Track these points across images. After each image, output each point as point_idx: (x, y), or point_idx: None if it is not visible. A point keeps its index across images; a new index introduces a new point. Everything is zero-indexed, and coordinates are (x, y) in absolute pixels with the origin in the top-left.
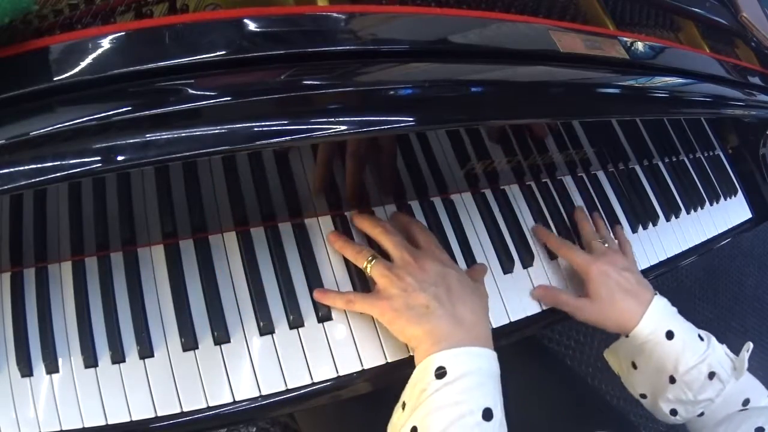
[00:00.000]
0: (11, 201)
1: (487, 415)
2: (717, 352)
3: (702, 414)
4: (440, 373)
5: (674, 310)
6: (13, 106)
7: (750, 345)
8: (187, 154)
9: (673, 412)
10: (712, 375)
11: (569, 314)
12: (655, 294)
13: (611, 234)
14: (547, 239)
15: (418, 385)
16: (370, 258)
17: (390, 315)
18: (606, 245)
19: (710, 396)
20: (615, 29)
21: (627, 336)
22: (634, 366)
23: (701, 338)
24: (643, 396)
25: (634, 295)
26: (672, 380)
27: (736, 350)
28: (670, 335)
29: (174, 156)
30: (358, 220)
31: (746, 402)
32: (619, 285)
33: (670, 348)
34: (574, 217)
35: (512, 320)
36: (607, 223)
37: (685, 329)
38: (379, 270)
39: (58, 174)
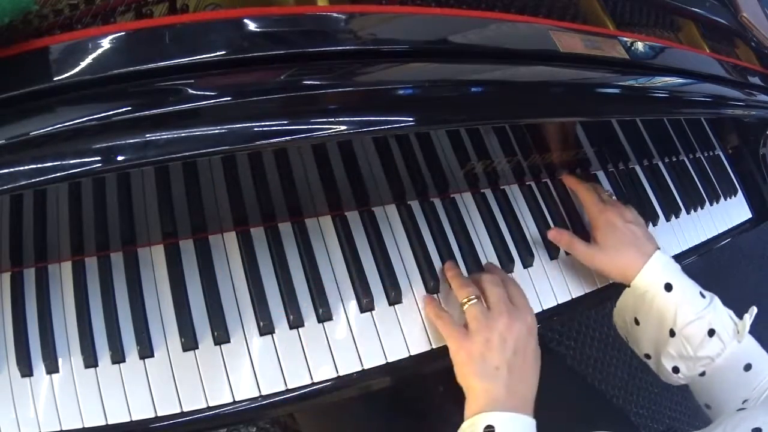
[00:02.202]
0: (11, 201)
1: None
2: (718, 312)
3: (703, 374)
4: (489, 431)
5: (677, 266)
6: (13, 106)
7: (754, 309)
8: (187, 154)
9: (675, 370)
10: (711, 332)
11: (580, 260)
12: (658, 248)
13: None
14: (567, 179)
15: None
16: (473, 297)
17: (463, 356)
18: (614, 198)
19: (710, 354)
20: (615, 29)
21: (629, 286)
22: (637, 322)
23: (703, 296)
24: (648, 356)
25: (638, 246)
26: (672, 333)
27: None
28: (668, 287)
29: (174, 156)
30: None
31: (748, 367)
32: (625, 236)
33: (669, 299)
34: (567, 184)
35: None
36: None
37: (686, 284)
38: (474, 312)
39: (58, 174)
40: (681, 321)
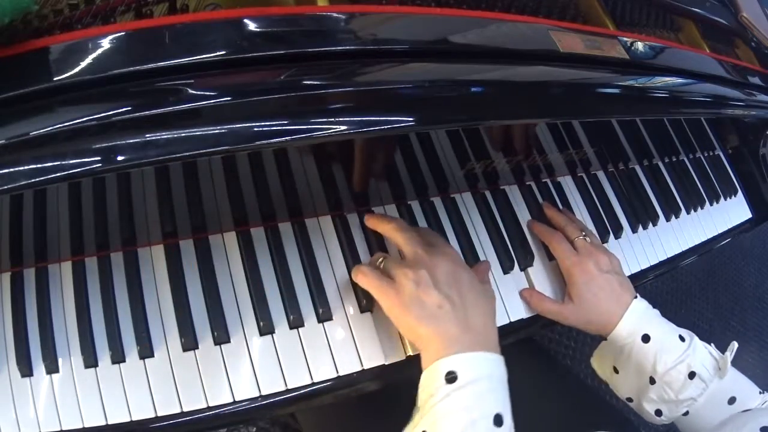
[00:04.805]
0: (11, 201)
1: (498, 420)
2: (698, 353)
3: (687, 413)
4: (451, 377)
5: (655, 312)
6: (13, 106)
7: (734, 345)
8: (187, 154)
9: (658, 413)
10: (692, 375)
11: (553, 319)
12: (635, 297)
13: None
14: (537, 229)
15: (427, 390)
16: (380, 257)
17: (399, 310)
18: (588, 240)
19: (692, 395)
20: (615, 29)
21: (606, 339)
22: (616, 370)
23: (682, 339)
24: (630, 399)
25: (616, 297)
26: (652, 381)
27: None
28: (646, 338)
29: (174, 156)
30: (370, 221)
31: (732, 400)
32: (602, 288)
33: (647, 350)
34: (547, 216)
35: (512, 320)
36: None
37: (664, 331)
38: (391, 264)
39: (58, 174)
40: (661, 369)
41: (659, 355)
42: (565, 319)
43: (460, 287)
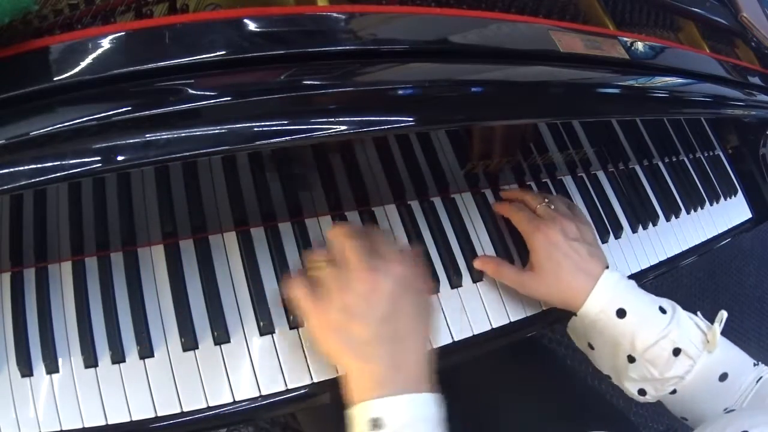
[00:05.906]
0: (11, 201)
1: None
2: (683, 326)
3: (674, 392)
4: (377, 424)
5: (631, 283)
6: (13, 106)
7: (724, 315)
8: (187, 154)
9: (642, 392)
10: (677, 351)
11: (515, 288)
12: (607, 267)
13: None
14: (497, 207)
15: None
16: (320, 262)
17: (320, 331)
18: (553, 207)
19: (678, 373)
20: (615, 29)
21: (576, 315)
22: (591, 347)
23: (663, 311)
24: (608, 377)
25: (583, 268)
26: (631, 359)
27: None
28: (621, 313)
29: (174, 156)
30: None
31: (724, 376)
32: (567, 256)
33: (623, 327)
34: (506, 198)
35: (512, 320)
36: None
37: (642, 303)
38: (323, 274)
39: (58, 174)
40: (641, 346)
41: (637, 331)
42: (523, 288)
43: (397, 318)
